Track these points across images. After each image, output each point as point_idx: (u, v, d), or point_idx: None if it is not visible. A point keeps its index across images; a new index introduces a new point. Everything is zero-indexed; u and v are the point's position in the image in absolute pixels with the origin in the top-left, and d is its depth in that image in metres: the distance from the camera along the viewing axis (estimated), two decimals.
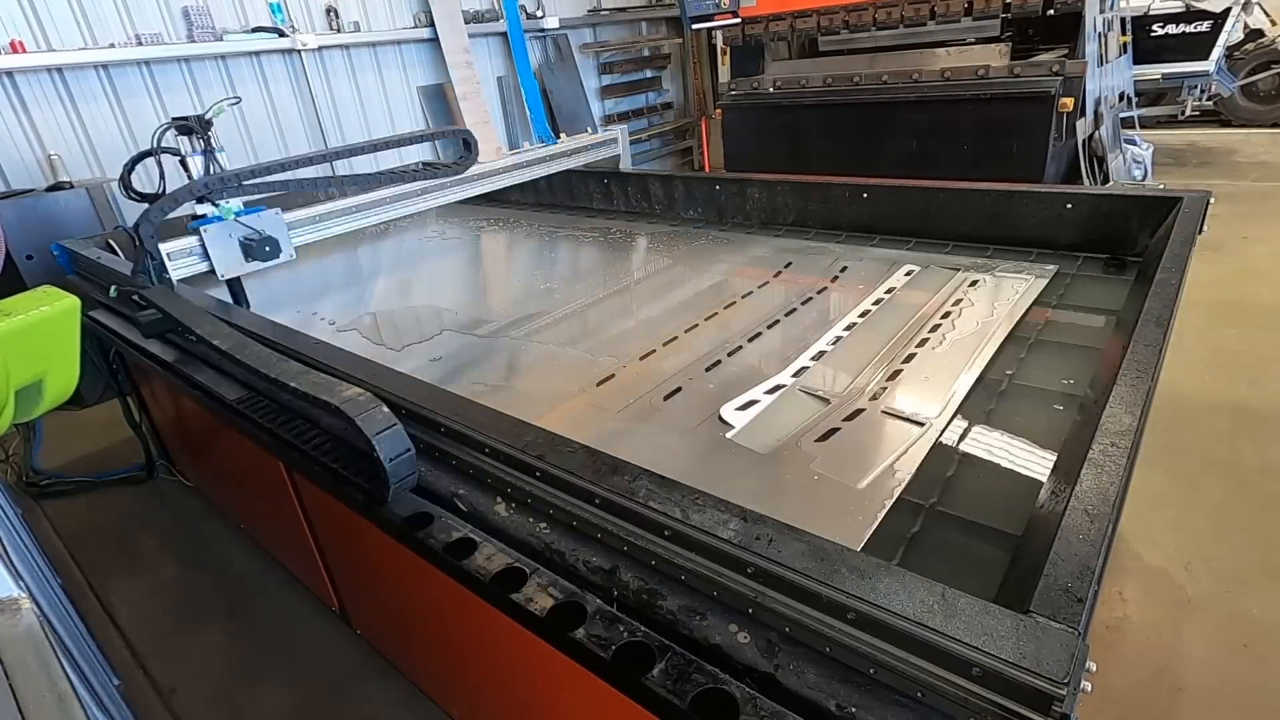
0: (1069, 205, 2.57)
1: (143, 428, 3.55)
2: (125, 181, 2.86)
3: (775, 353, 2.24)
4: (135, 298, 2.49)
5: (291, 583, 2.83)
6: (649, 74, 9.73)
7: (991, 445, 1.62)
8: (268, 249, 2.76)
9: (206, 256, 2.71)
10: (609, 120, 9.16)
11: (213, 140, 2.74)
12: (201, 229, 2.68)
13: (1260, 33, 8.50)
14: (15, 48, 4.70)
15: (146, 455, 3.62)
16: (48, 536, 3.34)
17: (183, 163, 2.73)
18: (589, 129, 4.35)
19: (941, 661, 0.87)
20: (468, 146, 3.21)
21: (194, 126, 2.71)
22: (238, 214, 2.74)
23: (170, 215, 2.63)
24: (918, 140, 5.56)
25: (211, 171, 2.74)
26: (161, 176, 2.78)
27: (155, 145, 2.70)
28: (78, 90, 5.07)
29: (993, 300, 2.36)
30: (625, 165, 4.13)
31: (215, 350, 1.93)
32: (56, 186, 4.48)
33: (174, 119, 2.72)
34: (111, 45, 5.16)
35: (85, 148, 5.17)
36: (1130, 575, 2.50)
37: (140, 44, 5.28)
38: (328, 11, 6.42)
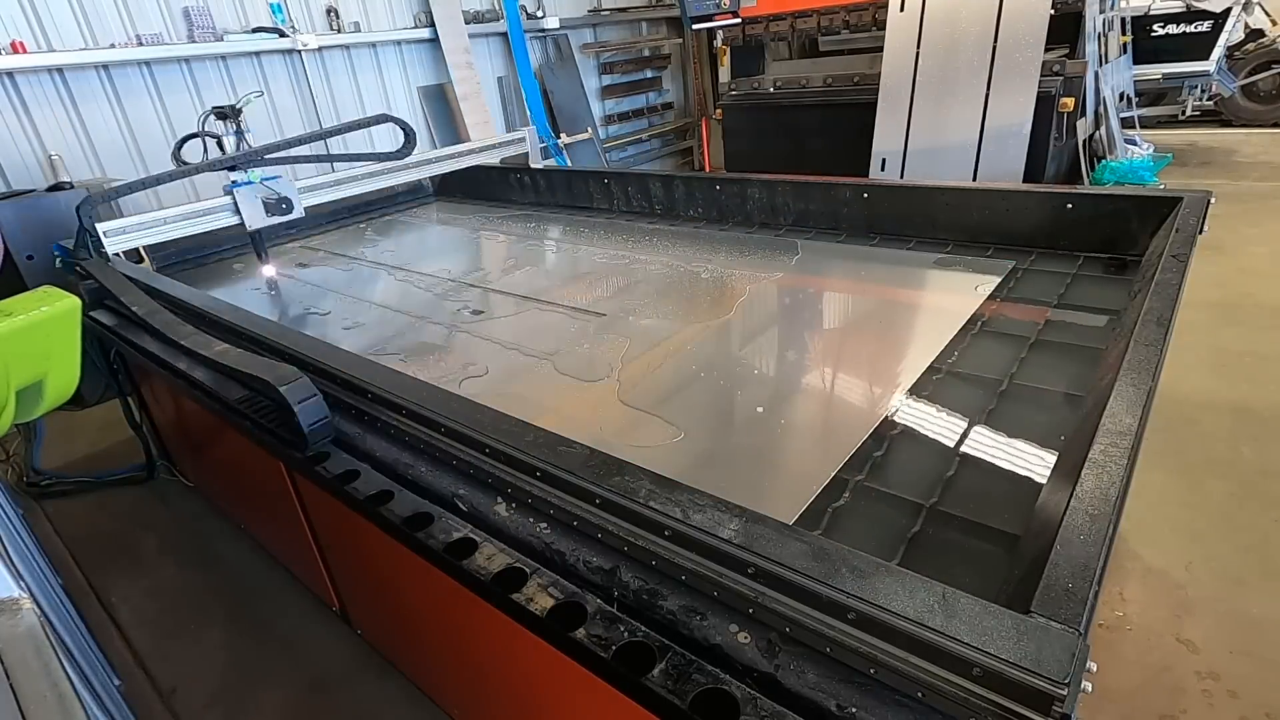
0: (1069, 205, 2.57)
1: (143, 428, 3.55)
2: (176, 159, 3.52)
3: (774, 351, 2.25)
4: (77, 269, 2.99)
5: (292, 583, 2.83)
6: (649, 74, 9.73)
7: (992, 445, 1.62)
8: (284, 206, 3.41)
9: (237, 212, 3.35)
10: (609, 120, 9.17)
11: (242, 124, 3.62)
12: (234, 190, 3.34)
13: (1261, 33, 8.50)
14: (16, 48, 4.70)
15: (147, 455, 3.62)
16: (48, 536, 3.34)
17: (219, 143, 3.50)
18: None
19: (942, 661, 0.87)
20: (407, 136, 3.92)
21: (228, 113, 3.61)
22: (263, 179, 3.41)
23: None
24: None
25: (241, 147, 3.58)
26: (205, 153, 3.51)
27: (200, 128, 3.48)
28: (78, 90, 5.07)
29: (993, 299, 2.35)
30: (534, 162, 4.64)
31: (133, 315, 2.31)
32: (57, 187, 4.48)
33: (213, 107, 3.54)
34: (112, 45, 5.16)
35: (86, 148, 5.17)
36: (1130, 575, 2.49)
37: (141, 44, 5.28)
38: (328, 11, 6.41)
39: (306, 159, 3.76)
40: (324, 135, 3.71)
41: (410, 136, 3.89)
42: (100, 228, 3.09)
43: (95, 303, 2.91)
